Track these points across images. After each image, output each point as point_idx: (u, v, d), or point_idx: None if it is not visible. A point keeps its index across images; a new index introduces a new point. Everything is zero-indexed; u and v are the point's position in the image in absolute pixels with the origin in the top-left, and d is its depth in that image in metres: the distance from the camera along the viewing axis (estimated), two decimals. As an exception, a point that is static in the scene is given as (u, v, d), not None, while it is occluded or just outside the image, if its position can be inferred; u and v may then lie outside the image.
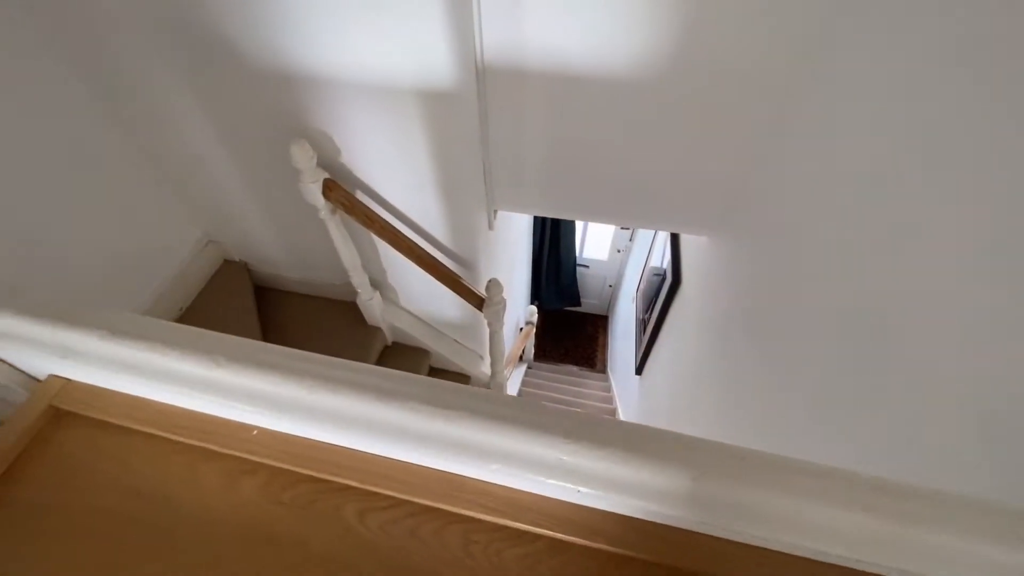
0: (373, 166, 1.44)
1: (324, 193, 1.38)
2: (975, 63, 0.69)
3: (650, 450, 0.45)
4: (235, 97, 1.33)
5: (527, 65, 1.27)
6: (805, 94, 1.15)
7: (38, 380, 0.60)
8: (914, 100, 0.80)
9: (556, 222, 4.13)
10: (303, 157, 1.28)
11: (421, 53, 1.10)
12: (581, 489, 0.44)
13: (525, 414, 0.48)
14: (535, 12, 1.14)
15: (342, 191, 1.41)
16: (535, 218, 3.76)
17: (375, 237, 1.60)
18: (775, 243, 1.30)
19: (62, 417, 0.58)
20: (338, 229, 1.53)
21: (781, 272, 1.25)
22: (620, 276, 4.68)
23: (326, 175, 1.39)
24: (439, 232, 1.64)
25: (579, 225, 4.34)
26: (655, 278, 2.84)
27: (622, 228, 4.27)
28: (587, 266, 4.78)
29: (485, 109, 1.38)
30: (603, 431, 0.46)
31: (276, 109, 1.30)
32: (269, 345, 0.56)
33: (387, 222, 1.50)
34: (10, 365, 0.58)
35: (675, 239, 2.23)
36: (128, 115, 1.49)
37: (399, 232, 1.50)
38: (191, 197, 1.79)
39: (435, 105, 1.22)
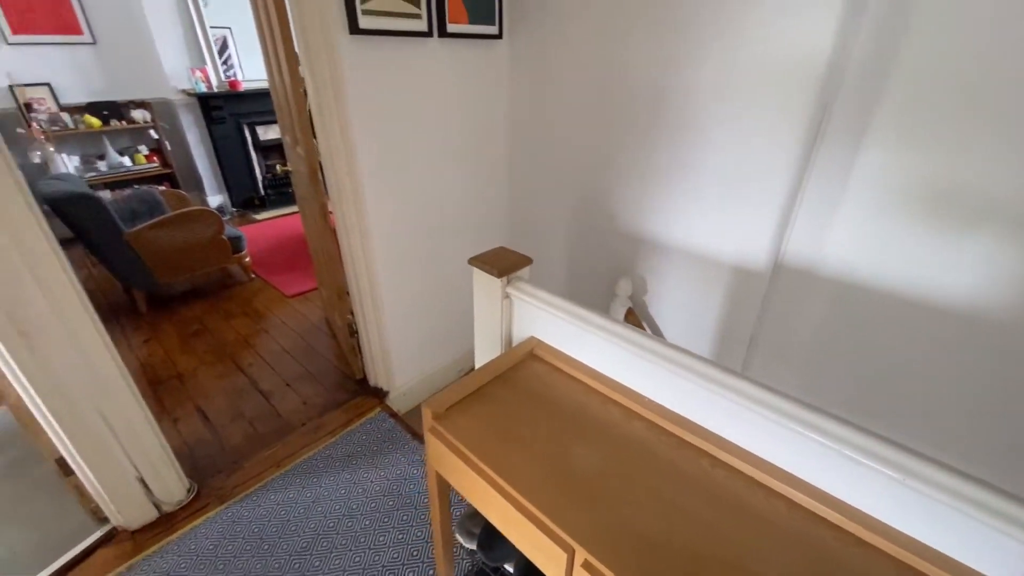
0: (665, 309, 1.91)
1: (625, 316, 1.89)
2: None
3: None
4: (595, 237, 2.03)
5: (816, 267, 1.62)
6: None
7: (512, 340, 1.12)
8: None
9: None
10: (625, 288, 1.84)
11: (742, 242, 1.58)
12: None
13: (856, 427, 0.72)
14: (840, 235, 1.52)
15: (635, 318, 1.90)
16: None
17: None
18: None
19: (534, 358, 1.07)
20: (618, 345, 1.99)
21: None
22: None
23: (630, 304, 1.91)
24: (693, 376, 1.94)
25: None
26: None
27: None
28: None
29: (770, 292, 1.74)
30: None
31: (618, 252, 1.94)
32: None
33: (658, 352, 1.89)
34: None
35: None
36: (517, 223, 2.38)
37: (665, 362, 1.86)
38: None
39: (734, 279, 1.65)
